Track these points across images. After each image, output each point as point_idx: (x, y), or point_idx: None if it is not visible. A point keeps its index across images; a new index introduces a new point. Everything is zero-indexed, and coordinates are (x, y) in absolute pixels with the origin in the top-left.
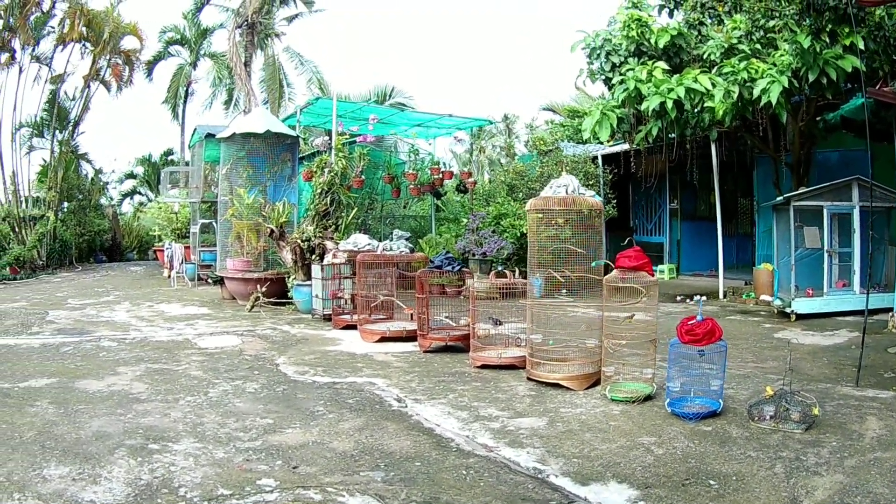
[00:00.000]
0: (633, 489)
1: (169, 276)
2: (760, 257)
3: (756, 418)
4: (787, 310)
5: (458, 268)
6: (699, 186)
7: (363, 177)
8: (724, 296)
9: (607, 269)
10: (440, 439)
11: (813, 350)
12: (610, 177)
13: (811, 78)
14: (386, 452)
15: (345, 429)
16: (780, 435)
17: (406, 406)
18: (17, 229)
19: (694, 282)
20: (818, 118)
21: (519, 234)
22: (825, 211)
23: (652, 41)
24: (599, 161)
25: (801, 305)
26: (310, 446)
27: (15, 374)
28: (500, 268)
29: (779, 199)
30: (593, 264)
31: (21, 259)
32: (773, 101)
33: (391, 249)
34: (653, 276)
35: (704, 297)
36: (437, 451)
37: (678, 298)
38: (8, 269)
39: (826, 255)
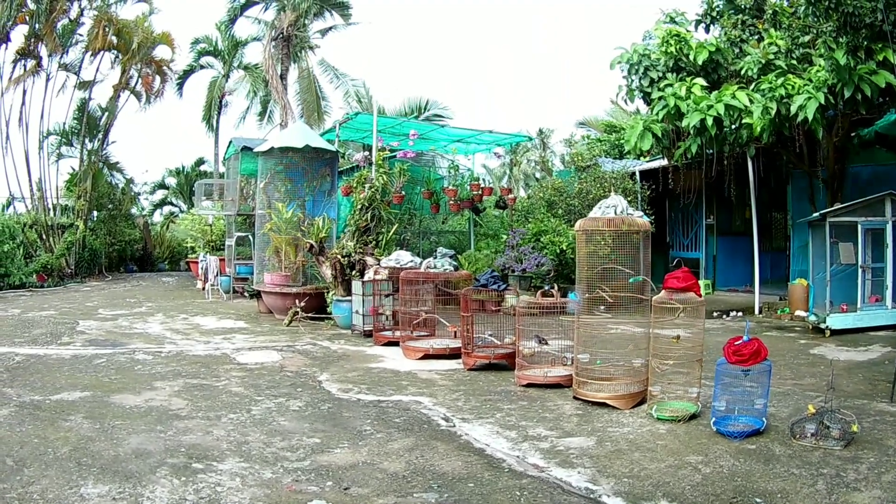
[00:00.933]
0: None
1: (203, 288)
2: (795, 272)
3: (798, 436)
4: (822, 325)
5: (504, 287)
6: (734, 202)
7: (403, 192)
8: (760, 311)
9: (646, 285)
10: (491, 460)
11: (848, 366)
12: (648, 193)
13: (846, 94)
14: (438, 473)
15: (394, 449)
16: (821, 452)
17: (454, 425)
18: (44, 237)
19: (730, 297)
20: (852, 134)
21: (558, 251)
22: (859, 226)
23: (690, 57)
24: (637, 177)
25: (836, 321)
26: (360, 467)
27: (46, 385)
28: (546, 287)
29: (815, 215)
30: (631, 280)
31: (49, 267)
32: (810, 118)
33: (436, 267)
34: (700, 297)
35: (741, 313)
36: (489, 472)
37: (715, 314)
38: (35, 276)
39: (860, 270)
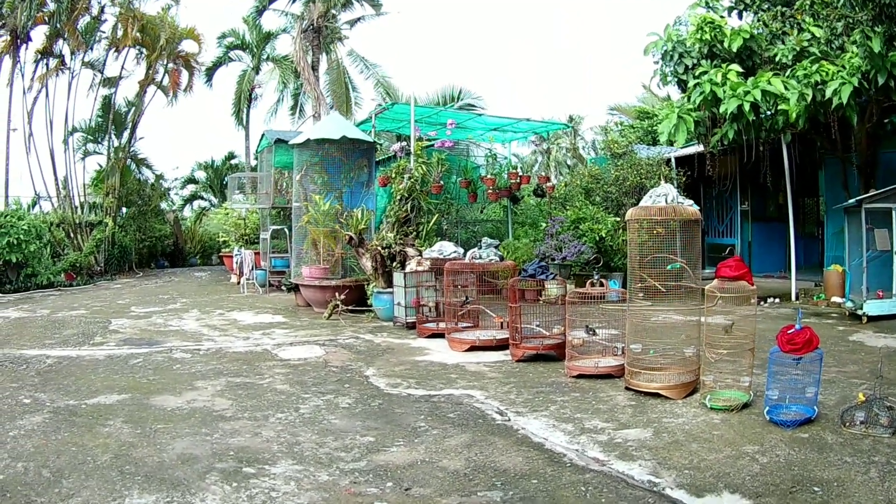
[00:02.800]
0: (745, 499)
1: (238, 283)
2: (829, 258)
3: (847, 424)
4: (859, 312)
5: (551, 276)
6: (769, 188)
7: (442, 182)
8: (797, 297)
9: (686, 272)
10: (551, 454)
11: (887, 353)
12: (683, 179)
13: (880, 81)
14: (499, 470)
15: (452, 445)
16: (871, 440)
17: (509, 420)
18: (72, 235)
19: (765, 283)
20: (885, 120)
21: (597, 238)
22: (894, 213)
23: (725, 44)
24: (673, 164)
25: (873, 307)
26: (419, 465)
27: (80, 389)
28: (595, 276)
29: (851, 201)
30: (669, 267)
31: (77, 265)
32: (845, 102)
33: (481, 258)
34: (753, 285)
35: (777, 299)
36: (552, 467)
37: (752, 301)
38: (63, 275)
39: (895, 256)
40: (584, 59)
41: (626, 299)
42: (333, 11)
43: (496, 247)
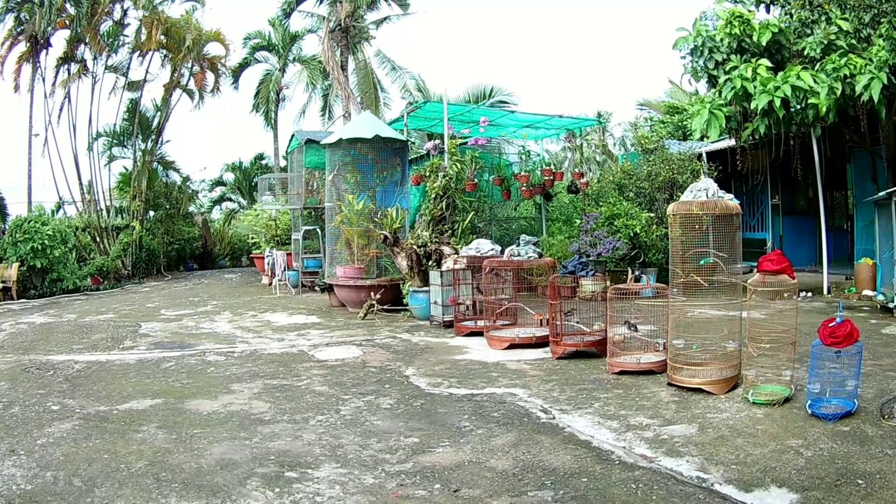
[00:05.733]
0: (792, 493)
1: (270, 284)
2: (859, 252)
3: (887, 416)
4: (891, 305)
5: (592, 272)
6: (799, 182)
7: (476, 180)
8: (829, 291)
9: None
10: (599, 452)
11: None
12: (715, 174)
13: None
14: (548, 469)
15: (498, 445)
16: None
17: (554, 417)
18: (98, 239)
19: (797, 277)
20: None
21: (632, 234)
22: None
23: (754, 38)
24: (704, 158)
25: None
26: (466, 466)
27: (111, 394)
28: (637, 272)
29: (881, 194)
30: (702, 262)
31: (104, 269)
32: (876, 98)
33: (519, 255)
34: (794, 279)
35: (810, 294)
36: (601, 465)
37: (786, 295)
38: (89, 279)
39: None
40: (608, 56)
41: (661, 295)
42: (360, 11)
43: (535, 244)
